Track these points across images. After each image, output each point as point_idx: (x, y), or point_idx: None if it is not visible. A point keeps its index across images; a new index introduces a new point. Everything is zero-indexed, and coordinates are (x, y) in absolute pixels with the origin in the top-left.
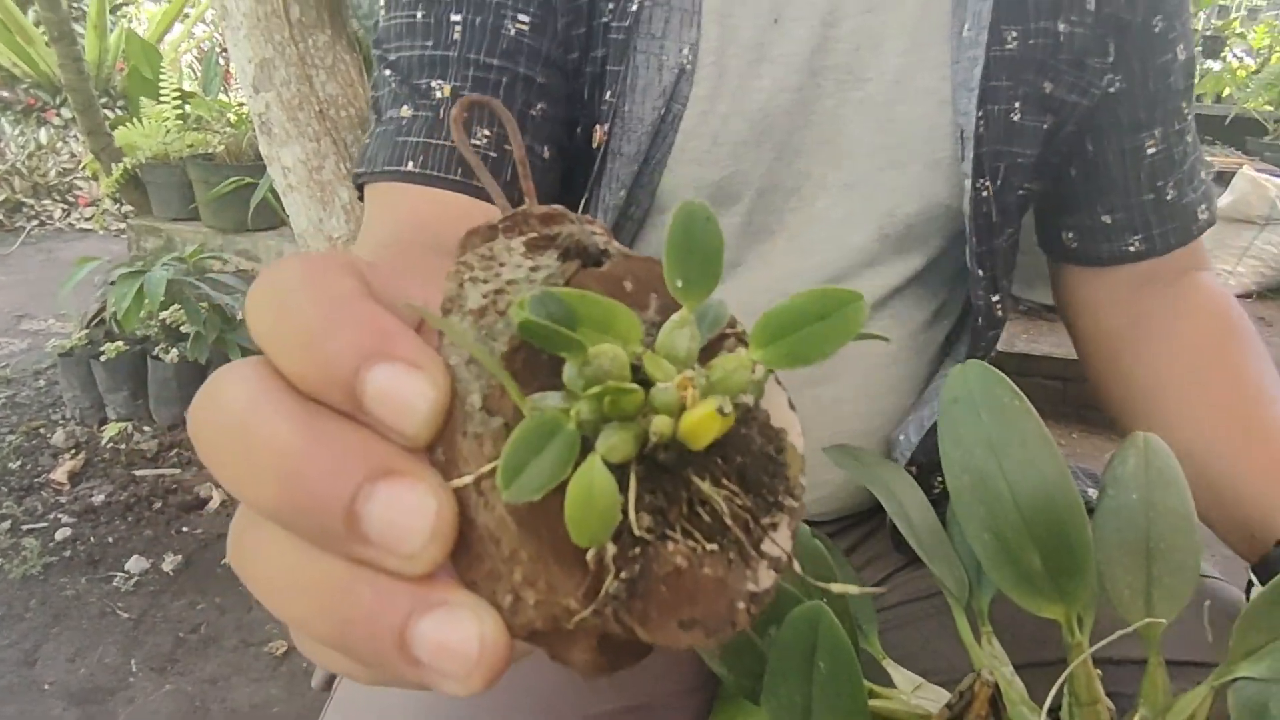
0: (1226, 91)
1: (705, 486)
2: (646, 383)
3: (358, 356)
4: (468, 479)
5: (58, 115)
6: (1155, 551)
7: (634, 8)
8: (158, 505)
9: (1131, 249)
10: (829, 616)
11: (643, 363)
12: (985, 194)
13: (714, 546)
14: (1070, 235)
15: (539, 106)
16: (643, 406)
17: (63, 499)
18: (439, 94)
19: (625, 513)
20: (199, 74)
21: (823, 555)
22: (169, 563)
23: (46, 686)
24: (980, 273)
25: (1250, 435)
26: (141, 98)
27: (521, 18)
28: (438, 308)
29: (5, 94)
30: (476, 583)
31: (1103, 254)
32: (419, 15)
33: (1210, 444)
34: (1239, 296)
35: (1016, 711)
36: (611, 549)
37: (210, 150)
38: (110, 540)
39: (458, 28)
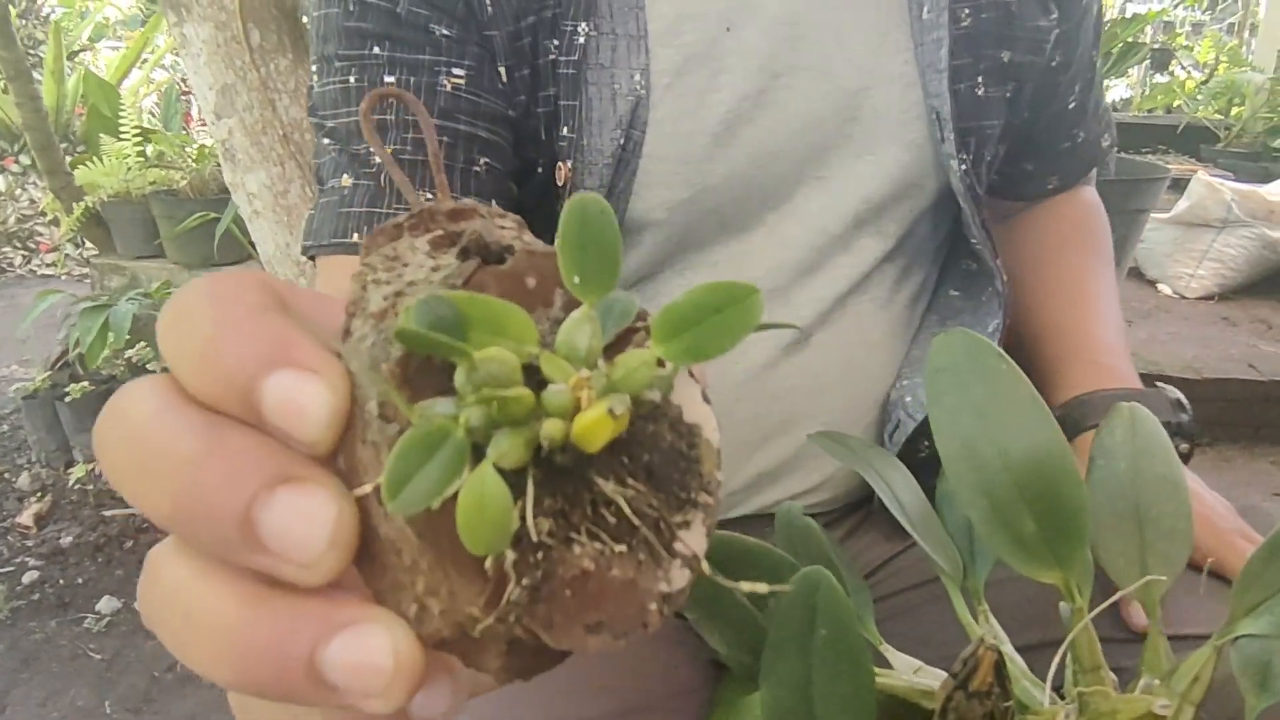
0: (1176, 103)
1: (609, 487)
2: (542, 384)
3: (255, 364)
4: (367, 488)
5: (15, 162)
6: (1146, 518)
7: (580, 40)
8: (129, 544)
9: (1050, 187)
10: (828, 579)
11: (539, 361)
12: (964, 169)
13: (622, 547)
14: (995, 179)
15: (483, 162)
16: (535, 410)
17: (30, 542)
18: (378, 160)
19: (523, 518)
20: (158, 117)
21: (813, 532)
22: None
23: None
24: (989, 238)
25: (1051, 328)
26: (102, 135)
27: (456, 72)
28: None
29: None
30: (383, 593)
31: (1023, 192)
32: (351, 80)
33: (1030, 329)
34: (1201, 299)
35: (1019, 686)
36: (511, 555)
37: (173, 186)
38: (80, 581)
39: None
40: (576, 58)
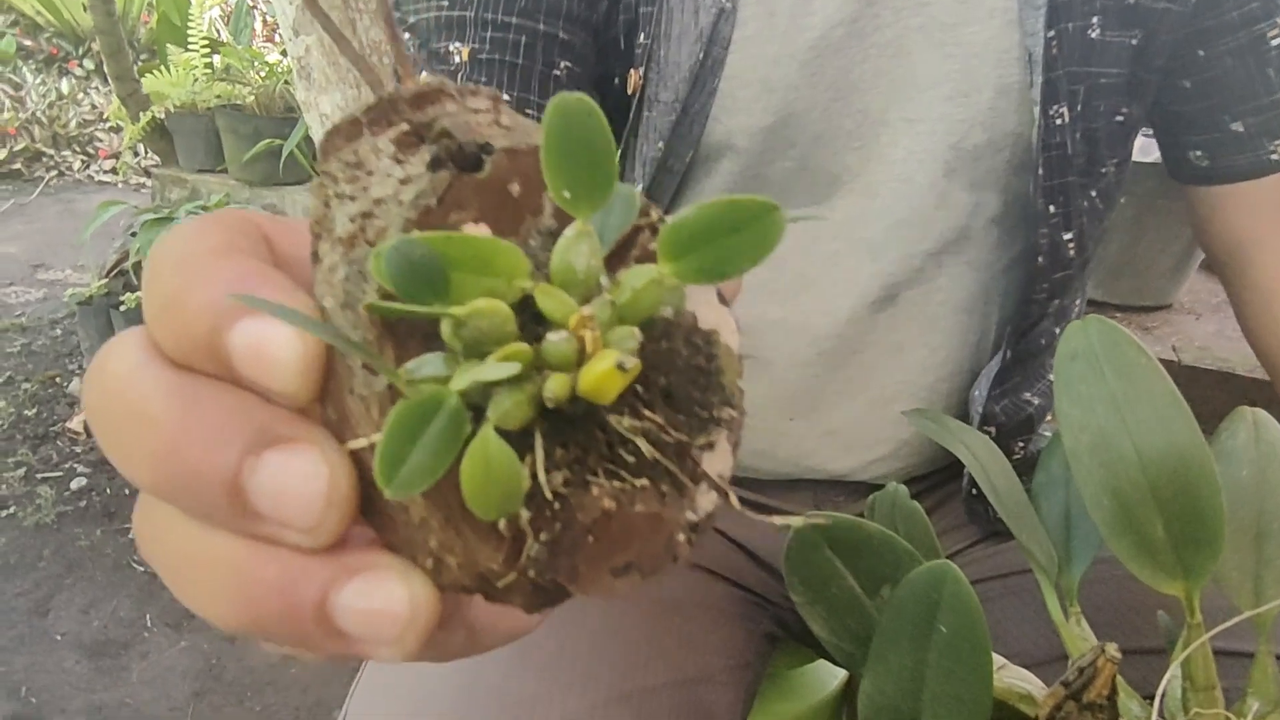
0: None
1: (624, 424)
2: (542, 324)
3: (214, 314)
4: (361, 443)
5: (80, 66)
6: (1268, 531)
7: None
8: None
9: (1274, 156)
10: (955, 574)
11: (535, 294)
12: (1059, 122)
13: (644, 481)
14: (1199, 154)
15: (563, 65)
16: (535, 362)
17: (78, 448)
18: (457, 58)
19: (534, 476)
20: (228, 28)
21: (919, 518)
22: None
23: (59, 637)
24: (1051, 208)
25: None
26: (169, 45)
27: None
28: None
29: (28, 42)
30: (395, 545)
31: (1239, 167)
32: None
33: None
34: None
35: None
36: (525, 514)
37: (239, 101)
38: (126, 492)
39: None
40: None
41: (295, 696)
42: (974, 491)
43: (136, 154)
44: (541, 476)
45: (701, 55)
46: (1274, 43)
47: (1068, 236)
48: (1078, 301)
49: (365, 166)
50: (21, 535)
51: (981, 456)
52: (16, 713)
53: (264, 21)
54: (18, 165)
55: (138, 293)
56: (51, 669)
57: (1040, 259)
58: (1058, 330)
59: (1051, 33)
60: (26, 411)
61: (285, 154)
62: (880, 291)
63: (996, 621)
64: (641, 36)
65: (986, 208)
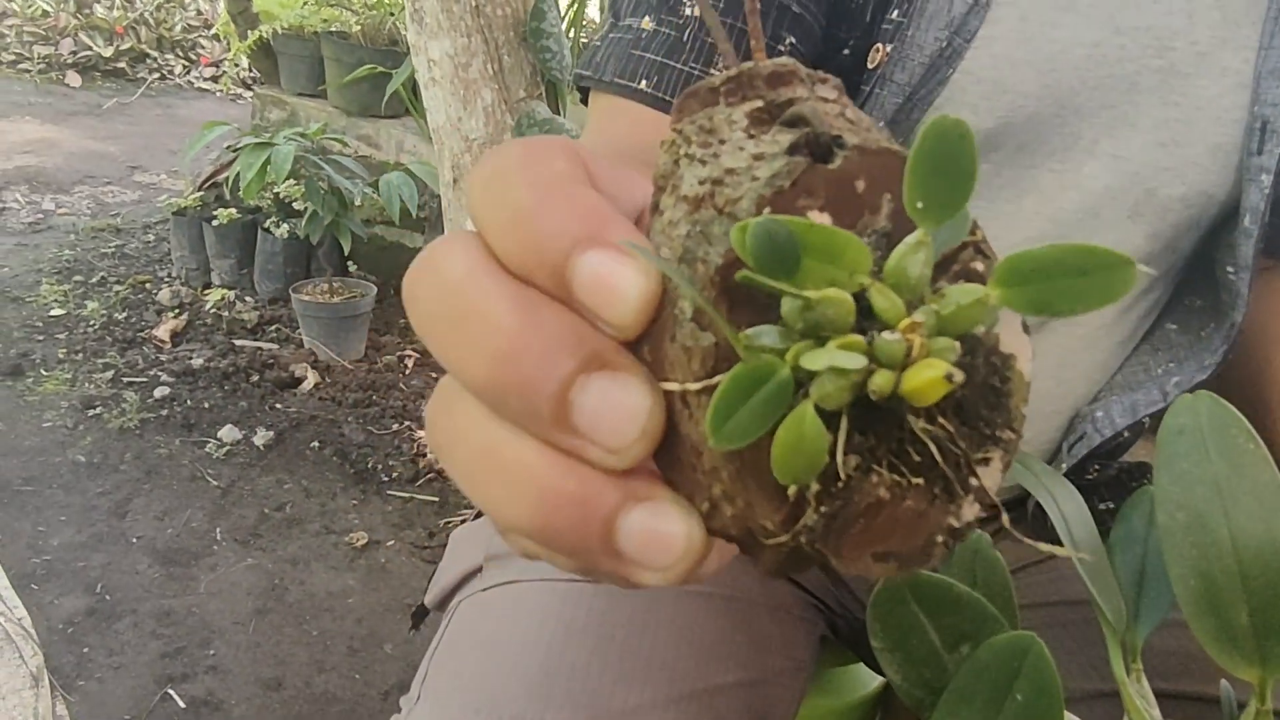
0: None
1: (919, 426)
2: (868, 311)
3: (569, 239)
4: (673, 386)
5: None
6: None
7: None
8: (254, 378)
9: None
10: (1040, 648)
11: (870, 292)
12: (1267, 192)
13: (919, 481)
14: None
15: (789, 40)
16: (865, 352)
17: (163, 357)
18: (689, 10)
19: (832, 455)
20: None
21: (999, 569)
22: (260, 437)
23: (134, 540)
24: (1250, 273)
25: None
26: None
27: None
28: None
29: None
30: (675, 484)
31: None
32: None
33: None
34: None
35: None
36: (815, 487)
37: (346, 28)
38: (206, 406)
39: None
40: None
41: (350, 626)
42: (1045, 516)
43: (238, 64)
44: (840, 457)
45: (945, 43)
46: None
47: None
48: None
49: (718, 134)
50: (106, 436)
51: (1063, 505)
52: (91, 607)
53: None
54: (122, 64)
55: (229, 209)
56: (126, 570)
57: (1238, 317)
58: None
59: None
60: (117, 315)
61: (390, 90)
62: (1031, 317)
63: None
64: (895, 13)
65: (1152, 256)
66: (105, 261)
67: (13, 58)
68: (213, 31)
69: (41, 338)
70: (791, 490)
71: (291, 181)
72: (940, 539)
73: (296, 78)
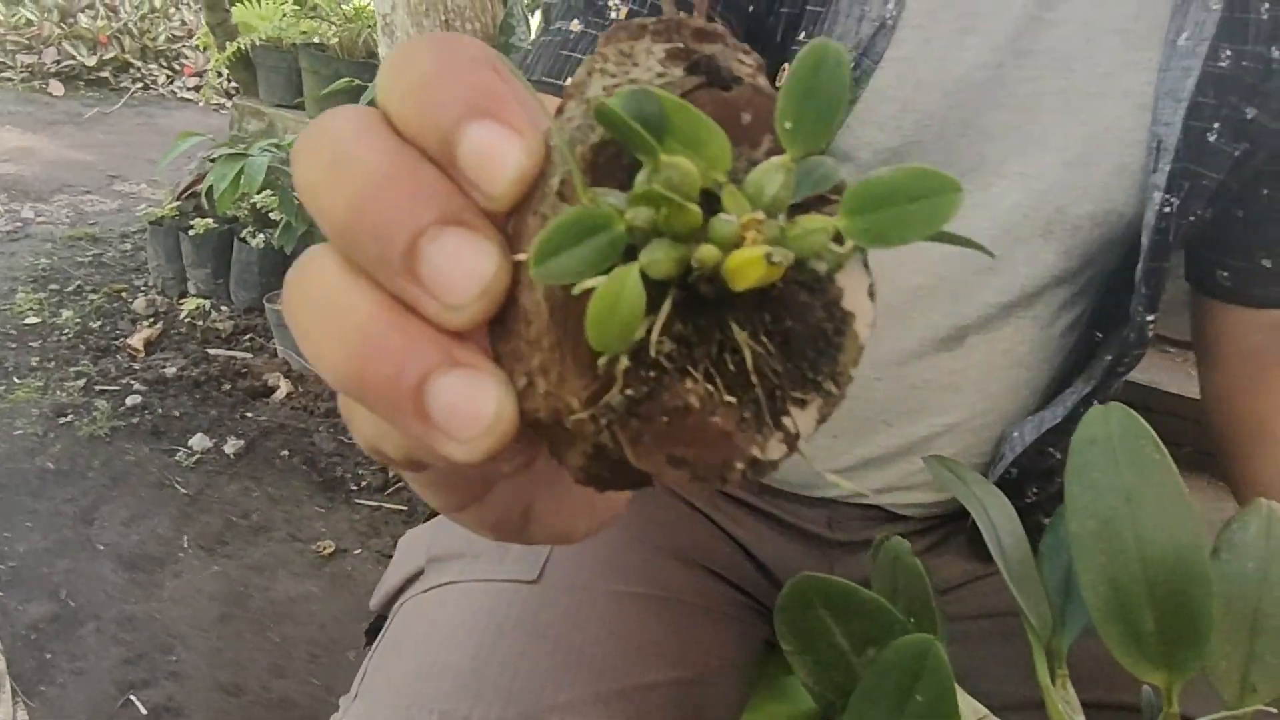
0: None
1: (741, 335)
2: (716, 214)
3: (464, 108)
4: (523, 255)
5: None
6: (1262, 627)
7: None
8: (226, 387)
9: None
10: (937, 650)
11: (722, 192)
12: (1168, 210)
13: (732, 400)
14: (1224, 275)
15: None
16: (698, 231)
17: (136, 365)
18: (614, 14)
19: (648, 331)
20: None
21: (918, 576)
22: (230, 445)
23: (100, 547)
24: (1145, 290)
25: None
26: None
27: None
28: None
29: None
30: (502, 357)
31: (1255, 297)
32: None
33: None
34: None
35: None
36: (625, 363)
37: (323, 40)
38: (177, 414)
39: None
40: None
41: (313, 631)
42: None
43: (220, 74)
44: (654, 334)
45: (853, 63)
46: None
47: (1151, 318)
48: None
49: (633, 59)
50: (75, 444)
51: (993, 513)
52: (54, 613)
53: None
54: (105, 74)
55: (206, 220)
56: (90, 576)
57: (1132, 335)
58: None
59: (1183, 127)
60: (91, 323)
61: (365, 99)
62: (950, 332)
63: (983, 660)
64: (803, 35)
65: (1067, 272)
66: (82, 270)
67: None
68: (194, 41)
69: (14, 346)
70: (602, 363)
71: (268, 192)
72: (739, 465)
73: (274, 89)
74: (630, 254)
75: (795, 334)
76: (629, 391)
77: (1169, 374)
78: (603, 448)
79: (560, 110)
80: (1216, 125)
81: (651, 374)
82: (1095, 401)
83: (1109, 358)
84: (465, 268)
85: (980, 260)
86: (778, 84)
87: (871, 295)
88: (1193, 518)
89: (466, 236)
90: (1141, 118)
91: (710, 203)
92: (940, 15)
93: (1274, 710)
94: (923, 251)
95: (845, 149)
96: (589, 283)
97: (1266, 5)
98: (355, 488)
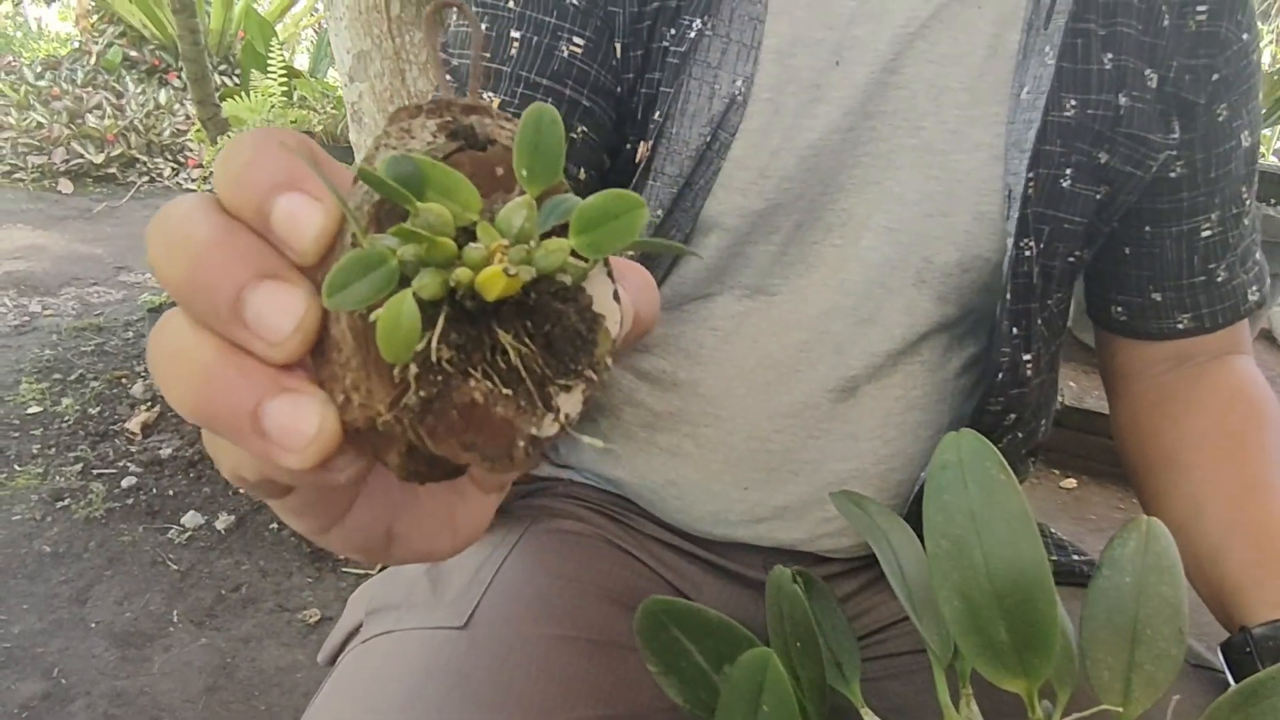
0: None
1: (506, 338)
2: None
3: (273, 185)
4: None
5: (178, 77)
6: (1141, 637)
7: (692, 34)
8: None
9: (1180, 326)
10: (775, 662)
11: (477, 229)
12: (1028, 253)
13: (508, 392)
14: (1119, 310)
15: (580, 129)
16: (455, 259)
17: (133, 448)
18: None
19: (429, 342)
20: (310, 58)
21: (798, 601)
22: (222, 521)
23: (93, 625)
24: (1014, 330)
25: (1242, 524)
26: (252, 70)
27: (576, 40)
28: None
29: (132, 53)
30: (323, 382)
31: (1150, 330)
32: (483, 27)
33: (1203, 523)
34: None
35: None
36: (414, 369)
37: (310, 129)
38: (171, 493)
39: (515, 44)
40: (684, 49)
41: (298, 700)
42: None
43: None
44: (434, 343)
45: (709, 137)
46: (1204, 234)
47: (1027, 357)
48: (1043, 421)
49: (412, 134)
50: (72, 527)
51: (895, 542)
52: (47, 691)
53: None
54: (113, 170)
55: None
56: (83, 654)
57: (1000, 375)
58: (1021, 435)
59: (1031, 174)
60: (91, 410)
61: None
62: (840, 383)
63: (916, 693)
64: (656, 114)
65: (947, 318)
66: (84, 359)
67: (7, 168)
68: (192, 131)
69: (17, 434)
70: (397, 372)
71: None
72: (522, 444)
73: None
74: (404, 282)
75: (554, 335)
76: (421, 393)
77: None
78: (413, 446)
79: (354, 180)
80: (1069, 171)
81: (438, 377)
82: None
83: (993, 398)
84: (280, 311)
85: (859, 312)
86: (637, 161)
87: (617, 299)
88: (1033, 534)
89: (279, 286)
90: (995, 168)
91: (468, 237)
92: (788, 88)
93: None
94: (802, 308)
95: (713, 215)
96: (379, 310)
97: (1109, 55)
98: (341, 558)
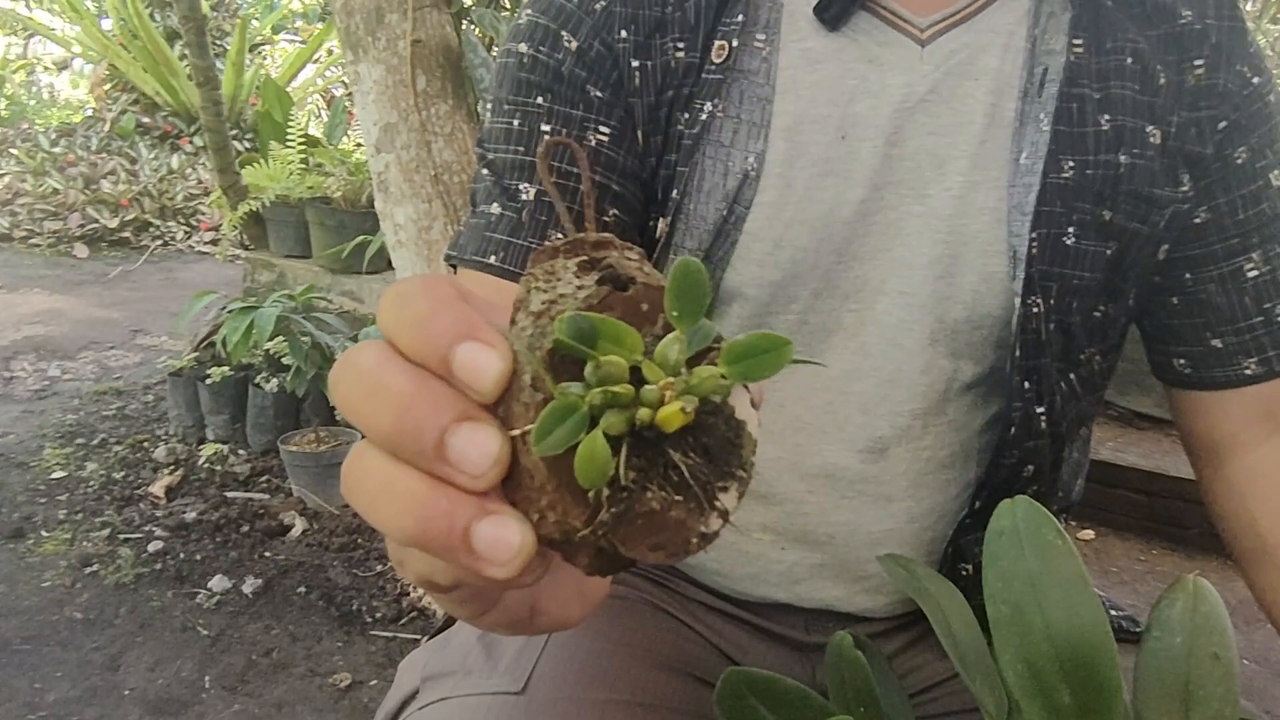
0: None
1: (676, 456)
2: (642, 383)
3: (453, 335)
4: (518, 431)
5: (190, 143)
6: (1194, 698)
7: (704, 117)
8: (245, 528)
9: (1248, 372)
10: None
11: (642, 367)
12: (1036, 310)
13: (680, 498)
14: (1181, 362)
15: (611, 213)
16: (635, 400)
17: (159, 513)
18: (525, 196)
19: (617, 468)
20: (324, 124)
21: (860, 667)
22: (249, 585)
23: (126, 692)
24: (1026, 385)
25: None
26: (270, 141)
27: (603, 130)
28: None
29: (146, 120)
30: (516, 503)
31: (1217, 378)
32: (515, 123)
33: None
34: None
35: None
36: (606, 492)
37: (328, 194)
38: (198, 557)
39: (545, 135)
40: (697, 131)
41: None
42: None
43: (235, 229)
44: (621, 468)
45: (726, 212)
46: (1250, 274)
47: (1040, 410)
48: (1076, 481)
49: (556, 275)
50: (102, 593)
51: (945, 604)
52: None
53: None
54: (127, 234)
55: (223, 368)
56: None
57: (1013, 429)
58: (1041, 489)
59: (1034, 235)
60: (115, 474)
61: (370, 253)
62: (868, 443)
63: None
64: (674, 193)
65: (964, 375)
66: (106, 423)
67: (24, 234)
68: (211, 198)
69: (44, 500)
70: (591, 494)
71: (280, 339)
72: (694, 540)
73: (284, 241)
74: (593, 422)
75: (710, 445)
76: (613, 510)
77: (1172, 458)
78: (601, 549)
79: (513, 321)
80: (1072, 230)
81: (624, 494)
82: (1001, 495)
83: (1007, 450)
84: (479, 448)
85: (880, 373)
86: (656, 237)
87: (754, 405)
88: (1091, 597)
89: (476, 427)
90: (999, 230)
91: (635, 374)
92: (797, 163)
93: None
94: (825, 371)
95: (734, 286)
96: (570, 443)
97: (1106, 117)
98: (370, 620)
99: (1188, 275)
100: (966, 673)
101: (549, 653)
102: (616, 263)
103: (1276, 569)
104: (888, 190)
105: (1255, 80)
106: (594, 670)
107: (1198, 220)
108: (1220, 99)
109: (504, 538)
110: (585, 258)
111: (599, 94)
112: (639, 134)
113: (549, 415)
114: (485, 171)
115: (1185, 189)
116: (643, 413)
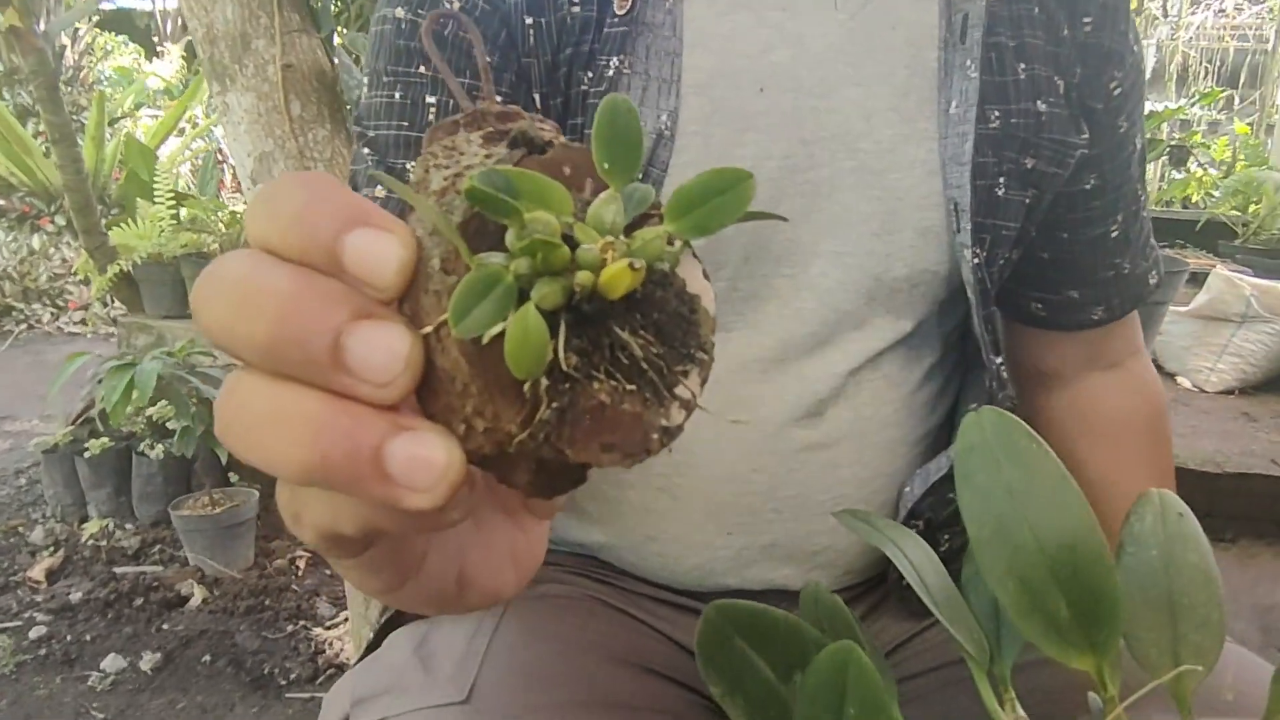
0: (1194, 197)
1: (624, 334)
2: (576, 247)
3: (340, 223)
4: (430, 328)
5: (51, 223)
6: (1179, 608)
7: (610, 74)
8: (138, 602)
9: (1094, 317)
10: (858, 656)
11: (573, 230)
12: (976, 262)
13: (632, 387)
14: (1038, 306)
15: None
16: (570, 264)
17: (39, 597)
18: (410, 176)
19: (556, 352)
20: (195, 183)
21: (840, 610)
22: (147, 661)
23: None
24: (987, 337)
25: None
26: (138, 199)
27: (495, 96)
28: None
29: (1, 201)
30: (435, 416)
31: (1066, 322)
32: (396, 95)
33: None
34: (1221, 393)
35: None
36: (544, 383)
37: (204, 249)
38: (88, 638)
39: (431, 109)
40: (604, 89)
41: None
42: (903, 582)
43: (105, 304)
44: (561, 353)
45: (640, 176)
46: (1112, 235)
47: (999, 360)
48: None
49: (459, 150)
50: None
51: (910, 553)
52: None
53: (231, 174)
54: None
55: (102, 439)
56: None
57: (991, 381)
58: None
59: (973, 186)
60: None
61: None
62: (806, 408)
63: (944, 712)
64: None
65: (900, 332)
66: None
67: None
68: (79, 278)
69: None
70: (527, 387)
71: (163, 402)
72: (654, 435)
73: (160, 302)
74: (521, 296)
75: (663, 323)
76: (554, 405)
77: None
78: (543, 460)
79: (411, 209)
80: (1002, 180)
81: (567, 385)
82: None
83: (975, 405)
84: (385, 350)
85: (818, 336)
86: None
87: (706, 277)
88: (1077, 497)
89: (378, 325)
90: (933, 182)
91: (565, 242)
92: (714, 119)
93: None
94: (760, 340)
95: None
96: (494, 330)
97: (1022, 65)
98: (284, 681)
99: (1064, 235)
100: (943, 616)
101: (492, 658)
102: (528, 127)
103: (1088, 485)
104: (815, 146)
105: (1136, 49)
106: (544, 671)
107: (1087, 187)
108: (1106, 59)
109: (424, 455)
110: (491, 129)
111: (487, 59)
112: (535, 97)
113: (466, 289)
114: (366, 151)
115: (1085, 136)
116: (582, 276)
